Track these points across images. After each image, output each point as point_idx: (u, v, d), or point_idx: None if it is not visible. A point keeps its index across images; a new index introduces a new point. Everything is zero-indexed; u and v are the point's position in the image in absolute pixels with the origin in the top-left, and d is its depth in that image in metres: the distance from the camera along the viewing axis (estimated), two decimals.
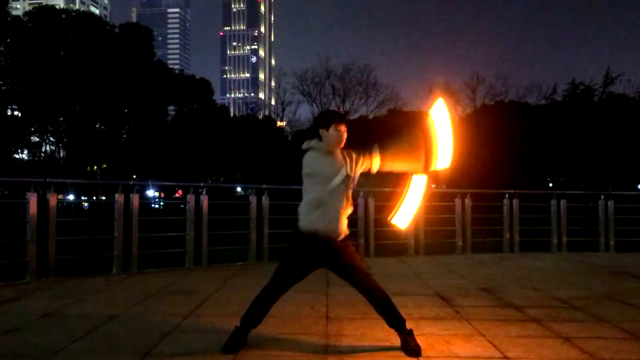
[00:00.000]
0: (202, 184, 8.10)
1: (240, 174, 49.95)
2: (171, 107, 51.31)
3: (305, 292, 5.32)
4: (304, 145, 3.70)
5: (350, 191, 3.73)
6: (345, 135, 3.66)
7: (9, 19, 40.84)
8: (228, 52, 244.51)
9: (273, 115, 58.39)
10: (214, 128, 46.59)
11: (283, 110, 55.59)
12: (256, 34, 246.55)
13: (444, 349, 3.74)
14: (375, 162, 3.71)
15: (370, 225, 9.01)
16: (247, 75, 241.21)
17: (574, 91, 41.44)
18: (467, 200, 9.84)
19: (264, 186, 8.49)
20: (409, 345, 3.63)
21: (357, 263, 3.75)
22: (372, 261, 8.09)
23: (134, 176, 39.38)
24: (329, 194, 3.60)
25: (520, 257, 9.40)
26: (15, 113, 42.94)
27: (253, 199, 8.34)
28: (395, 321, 3.73)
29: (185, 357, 3.62)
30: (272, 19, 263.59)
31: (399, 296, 4.43)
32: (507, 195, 10.17)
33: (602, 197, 10.59)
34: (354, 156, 3.70)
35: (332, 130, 3.63)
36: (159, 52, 66.68)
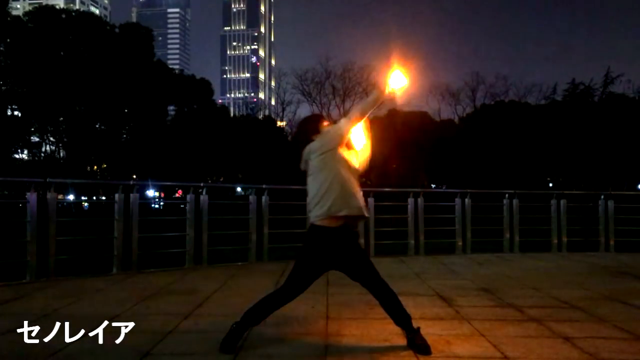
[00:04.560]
0: (202, 184, 8.11)
1: (240, 174, 49.96)
2: (171, 107, 51.28)
3: (306, 292, 5.30)
4: None
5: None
6: None
7: (9, 19, 40.77)
8: (228, 52, 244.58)
9: (273, 115, 58.39)
10: (214, 128, 46.56)
11: (283, 110, 55.69)
12: (256, 34, 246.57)
13: (444, 349, 3.74)
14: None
15: (370, 225, 9.02)
16: (247, 75, 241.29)
17: (574, 91, 41.52)
18: (467, 200, 9.84)
19: (264, 186, 8.50)
20: (417, 343, 3.64)
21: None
22: (372, 261, 8.07)
23: (134, 176, 39.39)
24: None
25: (520, 257, 9.40)
26: (15, 113, 42.89)
27: (253, 199, 8.36)
28: (403, 319, 3.74)
29: (185, 357, 3.61)
30: (272, 19, 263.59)
31: (399, 296, 4.42)
32: (507, 195, 10.17)
33: (602, 197, 10.60)
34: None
35: None
36: (159, 52, 66.68)
